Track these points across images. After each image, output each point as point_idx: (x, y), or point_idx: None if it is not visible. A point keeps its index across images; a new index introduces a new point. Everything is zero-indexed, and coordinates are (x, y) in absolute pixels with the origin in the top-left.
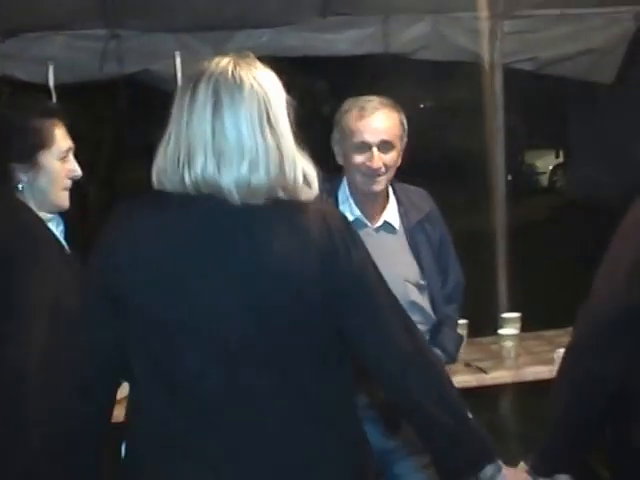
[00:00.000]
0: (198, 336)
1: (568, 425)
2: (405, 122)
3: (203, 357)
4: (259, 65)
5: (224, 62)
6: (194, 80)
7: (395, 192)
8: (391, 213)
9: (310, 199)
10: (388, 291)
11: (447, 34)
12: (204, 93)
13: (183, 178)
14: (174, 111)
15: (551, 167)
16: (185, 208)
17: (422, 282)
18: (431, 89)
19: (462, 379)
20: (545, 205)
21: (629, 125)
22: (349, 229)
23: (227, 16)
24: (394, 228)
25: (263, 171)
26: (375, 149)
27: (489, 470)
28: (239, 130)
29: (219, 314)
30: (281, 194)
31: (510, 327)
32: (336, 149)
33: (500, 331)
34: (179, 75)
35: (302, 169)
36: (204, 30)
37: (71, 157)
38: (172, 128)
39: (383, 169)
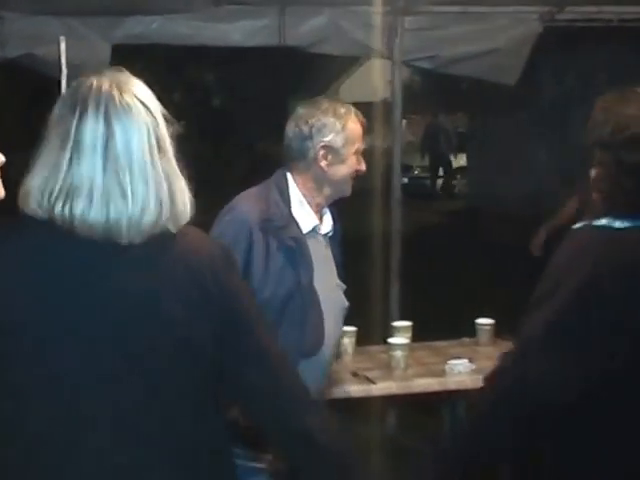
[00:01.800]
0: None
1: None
2: None
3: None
4: (139, 83)
5: (107, 86)
6: (79, 105)
7: None
8: (328, 220)
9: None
10: (265, 323)
11: (345, 28)
12: (93, 123)
13: (60, 214)
14: (54, 133)
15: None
16: (61, 248)
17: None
18: (329, 84)
19: (349, 389)
20: (444, 210)
21: (528, 130)
22: (229, 258)
23: (116, 1)
24: (327, 235)
25: (155, 210)
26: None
27: None
28: (131, 168)
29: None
30: (170, 226)
31: (401, 336)
32: (331, 156)
33: (390, 340)
34: (63, 60)
35: (187, 195)
36: (92, 15)
37: None
38: (51, 156)
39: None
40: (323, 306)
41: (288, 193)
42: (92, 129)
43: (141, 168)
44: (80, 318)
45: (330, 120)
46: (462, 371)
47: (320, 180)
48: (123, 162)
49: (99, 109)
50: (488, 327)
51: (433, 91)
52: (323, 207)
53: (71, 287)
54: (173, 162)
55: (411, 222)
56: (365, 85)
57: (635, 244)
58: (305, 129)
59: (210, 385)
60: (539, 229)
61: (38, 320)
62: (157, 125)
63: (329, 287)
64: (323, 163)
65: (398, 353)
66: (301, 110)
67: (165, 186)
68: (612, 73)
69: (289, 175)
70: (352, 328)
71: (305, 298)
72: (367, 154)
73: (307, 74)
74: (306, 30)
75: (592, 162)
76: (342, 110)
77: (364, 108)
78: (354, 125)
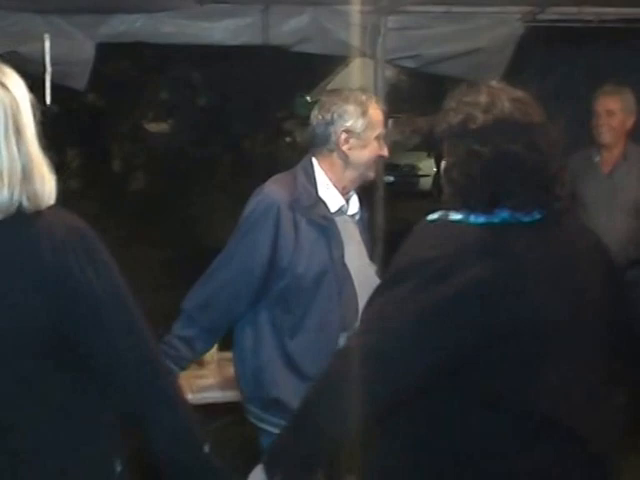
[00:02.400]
0: None
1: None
2: None
3: None
4: (4, 69)
5: None
6: None
7: None
8: (356, 202)
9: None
10: (125, 307)
11: (328, 27)
12: None
13: None
14: None
15: (435, 169)
16: None
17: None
18: (313, 82)
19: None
20: (427, 209)
21: None
22: (91, 242)
23: None
24: (354, 216)
25: (7, 187)
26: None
27: None
28: None
29: None
30: (25, 204)
31: None
32: (353, 140)
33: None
34: (47, 58)
35: (48, 177)
36: (76, 13)
37: None
38: None
39: None
40: (355, 282)
41: (314, 177)
42: None
43: None
44: None
45: (351, 106)
46: None
47: (344, 164)
48: None
49: None
50: None
51: (420, 91)
52: (349, 191)
53: None
54: (32, 144)
55: (397, 220)
56: (352, 84)
57: (491, 240)
58: (327, 116)
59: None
60: None
61: None
62: (16, 107)
63: (360, 265)
64: (345, 147)
65: None
66: (324, 99)
67: (18, 165)
68: (593, 73)
69: (315, 161)
70: None
71: (338, 273)
72: None
73: (296, 73)
74: (289, 29)
75: (442, 153)
76: (363, 97)
77: None
78: (375, 111)
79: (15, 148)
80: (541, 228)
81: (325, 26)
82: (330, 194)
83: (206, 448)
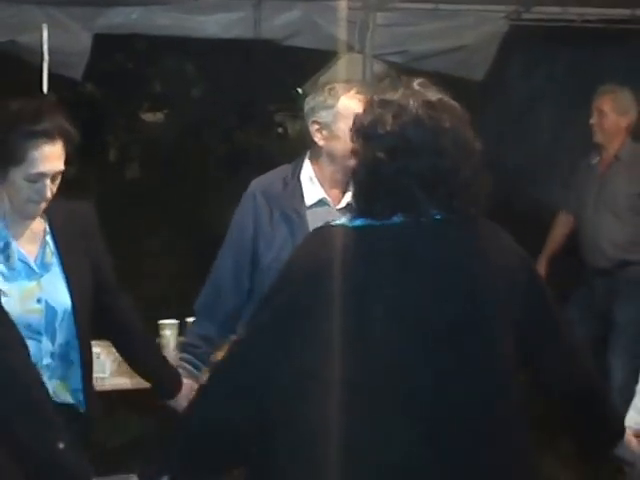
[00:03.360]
0: None
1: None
2: None
3: None
4: None
5: None
6: None
7: None
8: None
9: None
10: None
11: (319, 22)
12: None
13: None
14: None
15: None
16: None
17: None
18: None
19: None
20: None
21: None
22: None
23: None
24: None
25: None
26: None
27: None
28: None
29: None
30: None
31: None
32: (325, 132)
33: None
34: (45, 48)
35: None
36: (73, 5)
37: (45, 182)
38: None
39: None
40: None
41: (300, 169)
42: None
43: None
44: None
45: (321, 98)
46: None
47: (322, 156)
48: None
49: None
50: None
51: None
52: (341, 183)
53: None
54: None
55: None
56: (342, 78)
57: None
58: (305, 108)
59: None
60: (539, 260)
61: None
62: None
63: None
64: (318, 139)
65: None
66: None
67: None
68: (575, 72)
69: (308, 153)
70: None
71: None
72: None
73: (288, 67)
74: (281, 23)
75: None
76: (337, 89)
77: None
78: (348, 102)
79: None
80: (435, 229)
81: (316, 21)
82: (311, 187)
83: (61, 445)
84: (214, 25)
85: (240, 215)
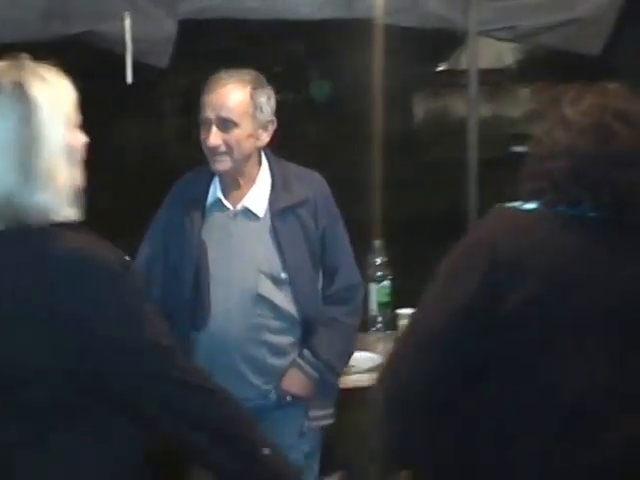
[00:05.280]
0: None
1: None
2: (263, 99)
3: None
4: (35, 72)
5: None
6: None
7: (273, 175)
8: (254, 198)
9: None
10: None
11: None
12: None
13: None
14: None
15: None
16: None
17: (282, 275)
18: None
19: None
20: None
21: None
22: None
23: None
24: (254, 214)
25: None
26: (214, 126)
27: None
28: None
29: None
30: (34, 219)
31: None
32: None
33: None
34: (128, 37)
35: (61, 191)
36: None
37: None
38: None
39: (222, 148)
40: (224, 285)
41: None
42: None
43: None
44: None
45: None
46: None
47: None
48: None
49: None
50: None
51: (559, 56)
52: (232, 181)
53: None
54: (51, 155)
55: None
56: (489, 51)
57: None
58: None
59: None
60: None
61: None
62: (35, 114)
63: (236, 267)
64: None
65: None
66: None
67: (23, 175)
68: None
69: None
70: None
71: (196, 270)
72: (489, 123)
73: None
74: (376, 1)
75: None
76: (211, 79)
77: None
78: (204, 95)
79: (31, 155)
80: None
81: None
82: (214, 187)
83: (265, 450)
84: (306, 5)
85: (162, 206)
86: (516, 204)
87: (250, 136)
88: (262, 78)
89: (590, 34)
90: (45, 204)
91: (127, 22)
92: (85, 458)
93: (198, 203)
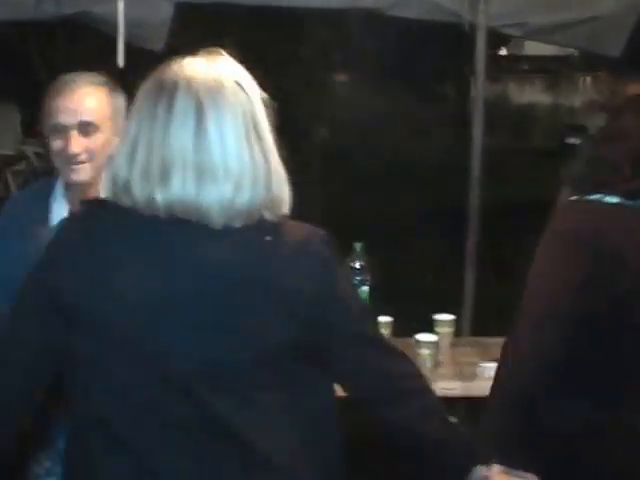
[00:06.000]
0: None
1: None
2: (119, 104)
3: None
4: (236, 65)
5: (198, 64)
6: (168, 85)
7: None
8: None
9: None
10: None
11: None
12: (184, 101)
13: (153, 196)
14: (141, 115)
15: None
16: (161, 235)
17: None
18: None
19: None
20: None
21: None
22: (330, 250)
23: None
24: None
25: (248, 191)
26: (74, 132)
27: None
28: (225, 145)
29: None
30: (266, 214)
31: (441, 329)
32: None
33: (417, 336)
34: (121, 18)
35: (284, 183)
36: None
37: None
38: (140, 134)
39: (83, 156)
40: None
41: (55, 184)
42: (183, 102)
43: (234, 149)
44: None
45: None
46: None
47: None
48: (215, 142)
49: (190, 86)
50: None
51: None
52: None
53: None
54: (270, 146)
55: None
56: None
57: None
58: None
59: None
60: None
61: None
62: (253, 109)
63: None
64: None
65: (424, 351)
66: None
67: (261, 174)
68: None
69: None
70: (388, 319)
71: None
72: (547, 111)
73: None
74: None
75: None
76: (58, 83)
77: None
78: (52, 100)
79: (258, 152)
80: None
81: None
82: (58, 205)
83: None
84: None
85: None
86: (594, 196)
87: (109, 142)
88: (113, 83)
89: (609, 34)
90: (280, 196)
91: (121, 4)
92: (286, 412)
93: (39, 224)
